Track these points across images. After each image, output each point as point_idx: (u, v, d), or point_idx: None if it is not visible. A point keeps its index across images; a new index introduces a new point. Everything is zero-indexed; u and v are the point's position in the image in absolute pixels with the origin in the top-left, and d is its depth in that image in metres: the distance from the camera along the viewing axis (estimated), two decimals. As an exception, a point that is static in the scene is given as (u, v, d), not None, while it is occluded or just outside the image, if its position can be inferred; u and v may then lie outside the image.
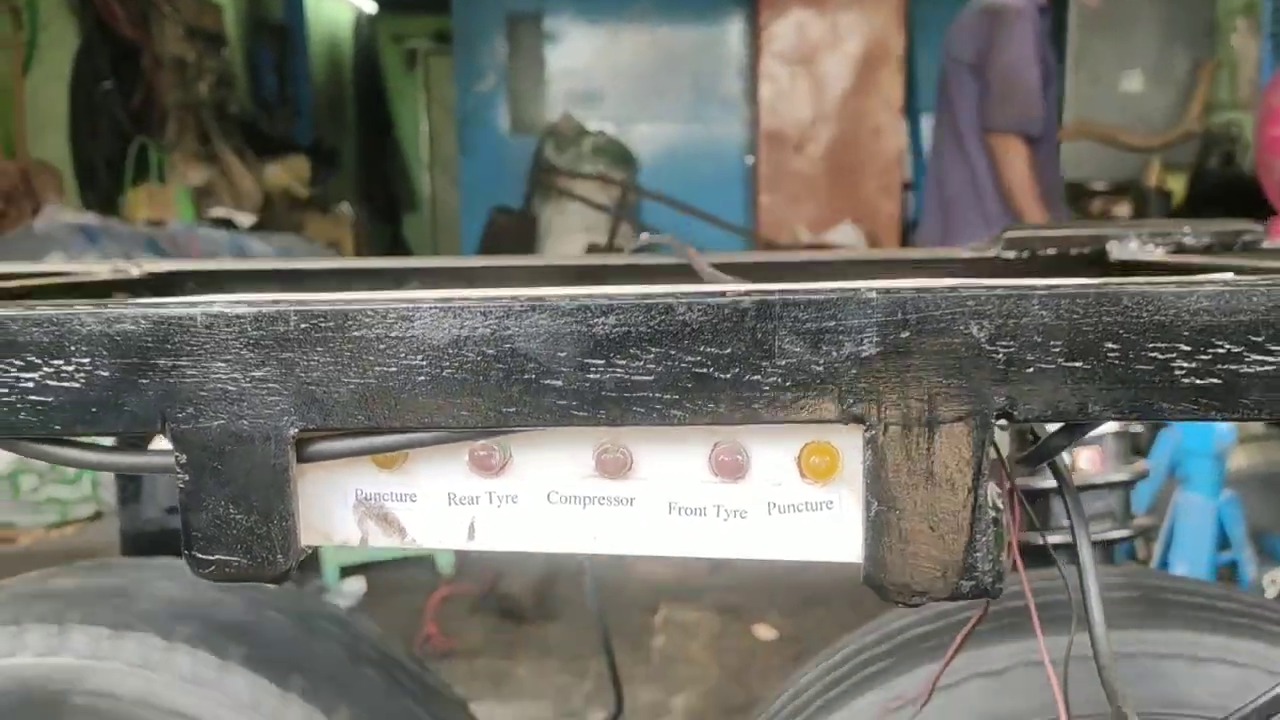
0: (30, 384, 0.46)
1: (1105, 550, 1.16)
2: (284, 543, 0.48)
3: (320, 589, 3.92)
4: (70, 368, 0.46)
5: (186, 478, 0.47)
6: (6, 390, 0.46)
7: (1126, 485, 1.15)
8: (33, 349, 0.46)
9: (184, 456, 0.47)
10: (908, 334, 0.45)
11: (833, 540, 0.49)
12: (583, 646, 3.33)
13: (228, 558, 0.48)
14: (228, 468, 0.47)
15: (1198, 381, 0.44)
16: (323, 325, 0.46)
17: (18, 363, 0.46)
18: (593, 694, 3.19)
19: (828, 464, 0.48)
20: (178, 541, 0.48)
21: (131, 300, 0.50)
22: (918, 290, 0.45)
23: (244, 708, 0.82)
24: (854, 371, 0.45)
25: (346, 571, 4.05)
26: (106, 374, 0.46)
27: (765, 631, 3.54)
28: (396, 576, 4.12)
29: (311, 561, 3.95)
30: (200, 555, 0.48)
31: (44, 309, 0.46)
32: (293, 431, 0.46)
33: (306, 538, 0.50)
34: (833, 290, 0.45)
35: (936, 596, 0.46)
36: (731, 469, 0.49)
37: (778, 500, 0.49)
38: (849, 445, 0.48)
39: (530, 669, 3.29)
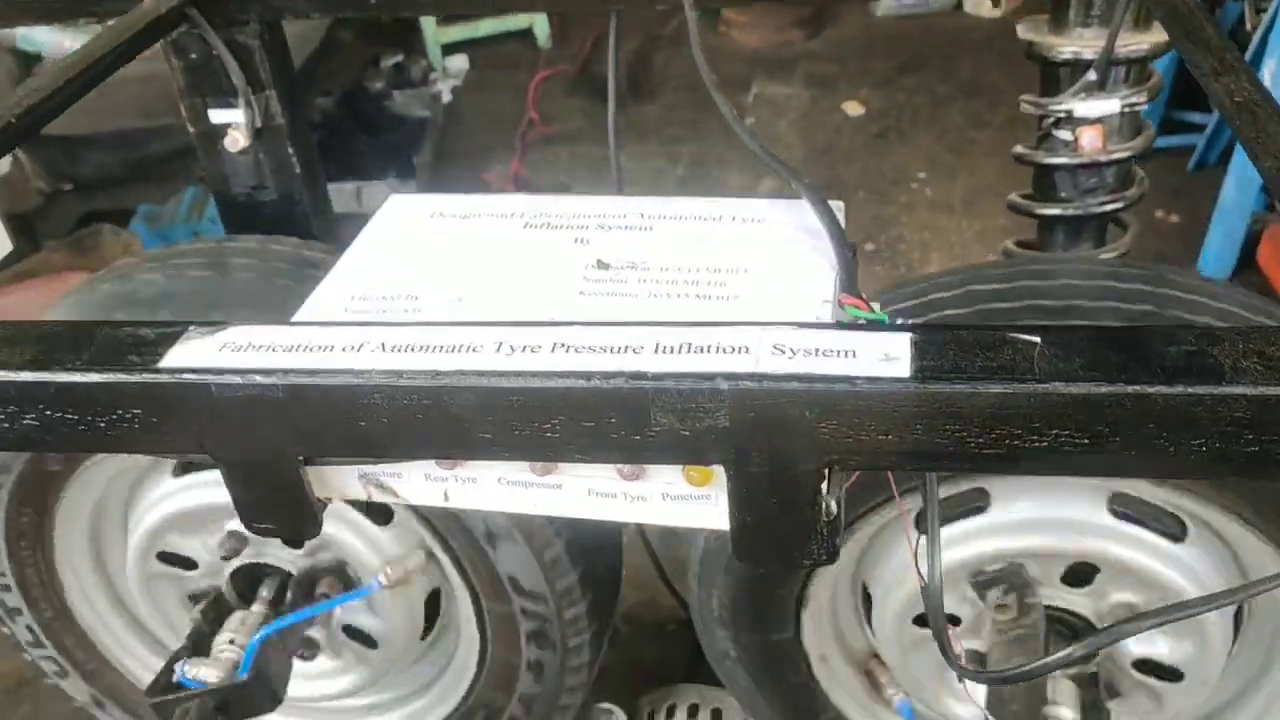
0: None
1: (1115, 220, 1.25)
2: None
3: (427, 68, 4.07)
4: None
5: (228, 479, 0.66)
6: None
7: (1129, 160, 1.21)
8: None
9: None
10: (753, 414, 0.58)
11: (710, 517, 0.65)
12: (677, 129, 3.48)
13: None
14: (255, 476, 0.66)
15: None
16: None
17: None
18: (685, 178, 3.40)
19: (705, 474, 0.63)
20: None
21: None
22: (759, 384, 0.57)
23: None
24: (712, 437, 0.59)
25: (449, 50, 4.13)
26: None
27: (854, 108, 3.61)
28: (497, 51, 4.20)
29: (416, 43, 4.06)
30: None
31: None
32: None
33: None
34: (695, 379, 0.58)
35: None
36: (633, 474, 0.65)
37: (669, 492, 0.65)
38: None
39: (628, 153, 3.44)
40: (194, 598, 1.50)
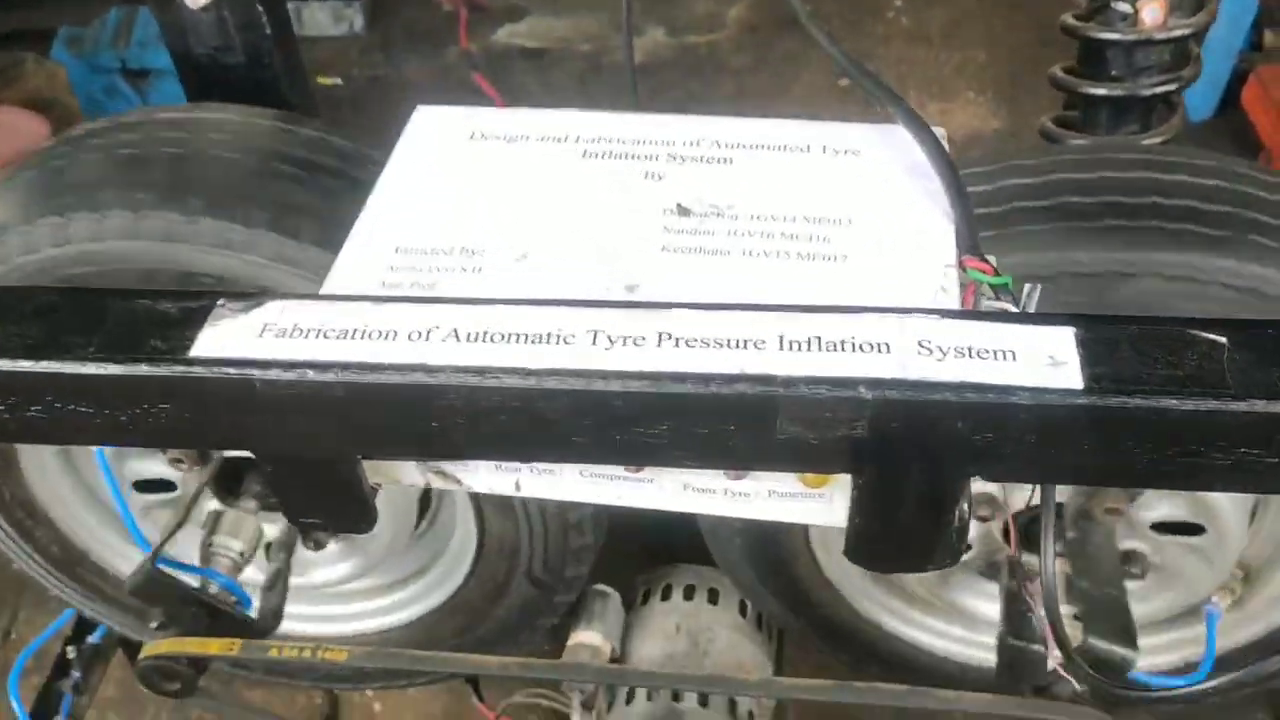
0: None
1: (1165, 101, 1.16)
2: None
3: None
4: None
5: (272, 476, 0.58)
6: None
7: (1187, 38, 1.11)
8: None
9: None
10: (896, 424, 0.50)
11: (824, 515, 0.58)
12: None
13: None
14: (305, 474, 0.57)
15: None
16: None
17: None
18: (649, 5, 3.20)
19: (821, 479, 0.56)
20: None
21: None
22: (906, 393, 0.49)
23: None
24: (845, 447, 0.51)
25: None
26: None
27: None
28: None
29: None
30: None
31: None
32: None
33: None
34: (831, 385, 0.50)
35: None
36: (738, 473, 0.57)
37: (778, 489, 0.58)
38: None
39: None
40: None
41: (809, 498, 0.58)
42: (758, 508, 0.59)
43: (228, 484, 1.37)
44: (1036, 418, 0.49)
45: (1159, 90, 1.15)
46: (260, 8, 1.24)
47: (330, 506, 0.59)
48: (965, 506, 0.55)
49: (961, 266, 0.60)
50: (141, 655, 1.18)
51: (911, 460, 0.52)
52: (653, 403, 0.51)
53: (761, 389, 0.50)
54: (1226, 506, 1.13)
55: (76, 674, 1.63)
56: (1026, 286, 0.60)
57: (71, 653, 1.64)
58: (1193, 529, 1.16)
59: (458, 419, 0.53)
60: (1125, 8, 1.12)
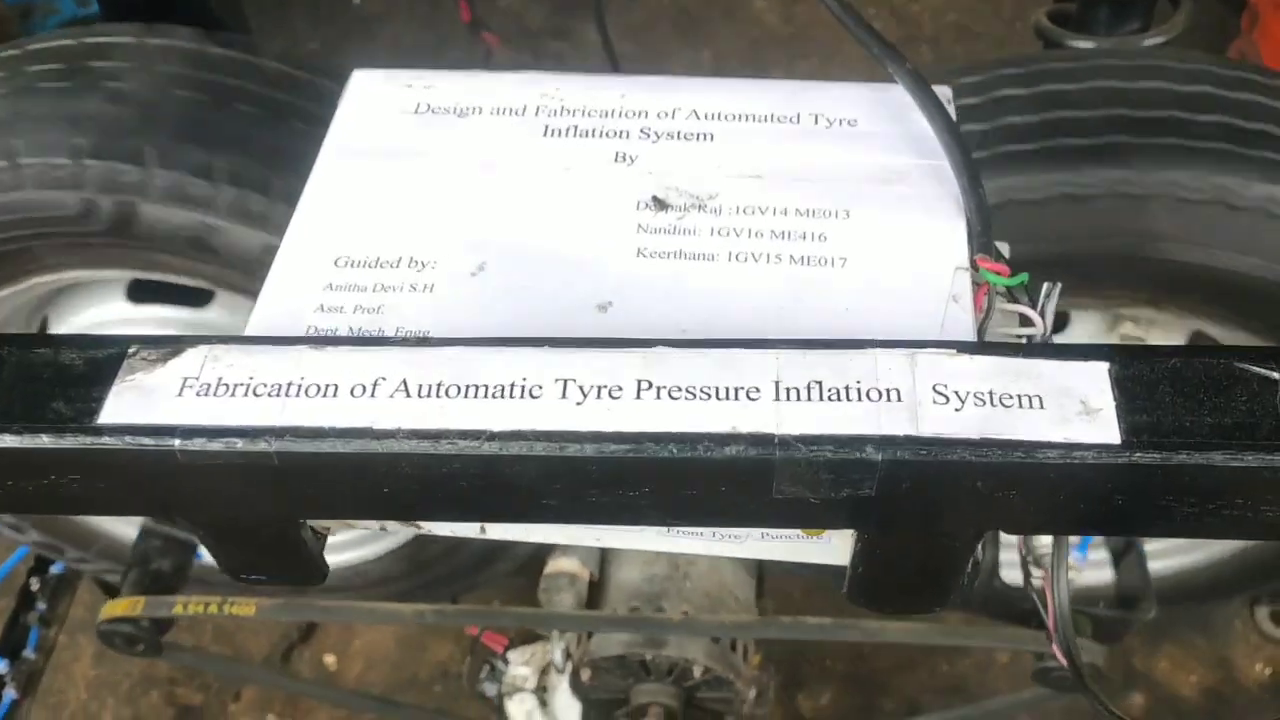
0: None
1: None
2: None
3: None
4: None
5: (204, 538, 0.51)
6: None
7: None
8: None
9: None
10: (907, 484, 0.45)
11: (825, 555, 0.53)
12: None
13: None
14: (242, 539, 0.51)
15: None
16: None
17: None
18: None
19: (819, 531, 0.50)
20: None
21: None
22: (920, 454, 0.43)
23: None
24: (850, 508, 0.46)
25: None
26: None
27: None
28: None
29: None
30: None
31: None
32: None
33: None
34: (836, 446, 0.44)
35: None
36: (728, 519, 0.51)
37: (771, 532, 0.52)
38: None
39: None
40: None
41: (806, 540, 0.53)
42: (750, 549, 0.54)
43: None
44: (1067, 477, 0.43)
45: (1161, -15, 1.06)
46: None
47: (273, 565, 0.53)
48: (978, 552, 0.50)
49: (974, 266, 0.54)
50: (98, 620, 1.14)
51: (922, 518, 0.46)
52: (632, 467, 0.45)
53: (756, 452, 0.44)
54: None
55: (42, 605, 1.60)
56: (1045, 286, 0.54)
57: (35, 584, 1.60)
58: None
59: (410, 485, 0.47)
60: (1129, -107, 1.03)
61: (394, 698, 1.75)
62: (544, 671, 1.51)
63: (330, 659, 1.88)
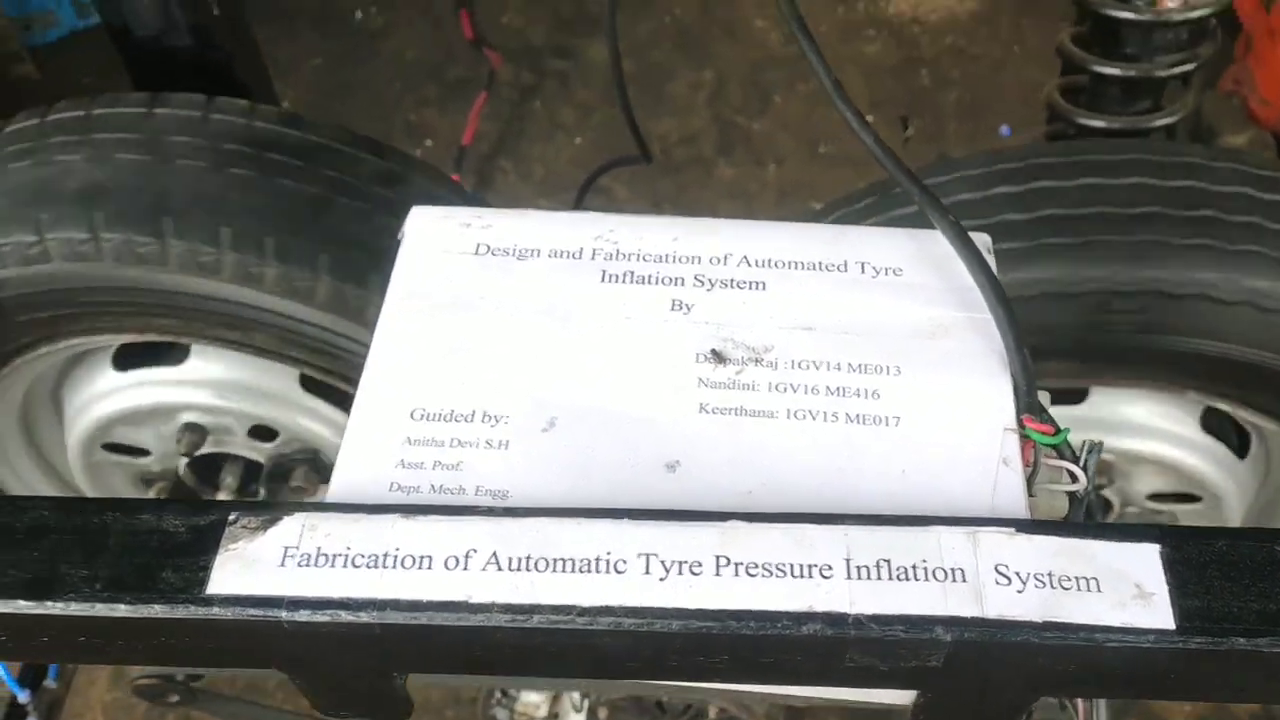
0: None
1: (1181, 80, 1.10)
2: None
3: None
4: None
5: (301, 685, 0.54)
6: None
7: (1208, 17, 1.06)
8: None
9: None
10: (972, 658, 0.48)
11: (883, 698, 0.56)
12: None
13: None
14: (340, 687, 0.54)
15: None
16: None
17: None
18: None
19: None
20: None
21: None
22: (986, 634, 0.47)
23: None
24: (917, 675, 0.49)
25: None
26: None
27: None
28: None
29: None
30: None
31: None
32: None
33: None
34: (907, 625, 0.47)
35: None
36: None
37: (833, 679, 0.56)
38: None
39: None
40: (146, 481, 1.39)
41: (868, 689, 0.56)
42: (810, 693, 0.57)
43: (204, 473, 1.34)
44: (1124, 659, 0.47)
45: (1175, 71, 1.10)
46: (205, -15, 1.14)
47: (365, 706, 0.56)
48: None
49: (1021, 425, 0.57)
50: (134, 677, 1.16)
51: (983, 685, 0.50)
52: (714, 640, 0.48)
53: (832, 630, 0.47)
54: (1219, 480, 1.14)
55: (61, 639, 1.62)
56: (1085, 443, 0.57)
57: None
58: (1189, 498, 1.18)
59: (503, 650, 0.50)
60: (1144, -15, 1.06)
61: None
62: (555, 699, 1.54)
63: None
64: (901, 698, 0.55)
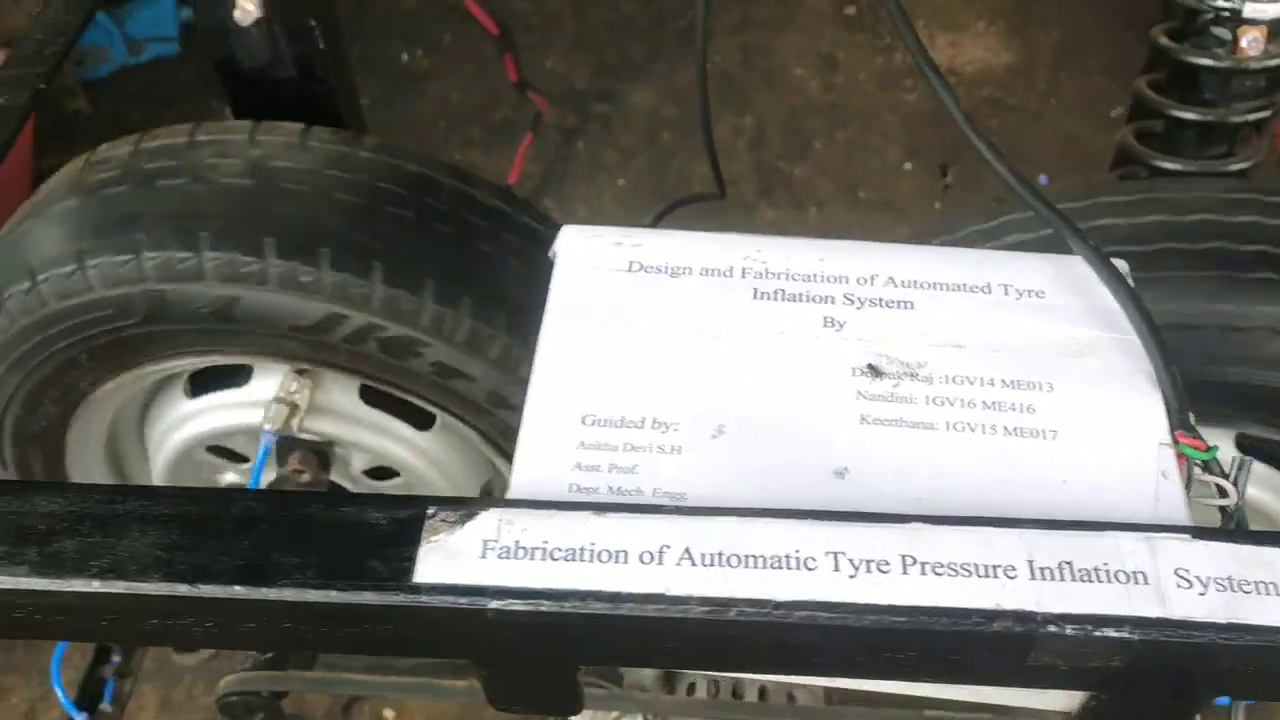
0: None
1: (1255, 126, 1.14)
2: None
3: None
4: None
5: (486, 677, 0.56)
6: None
7: (1281, 70, 1.09)
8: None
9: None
10: (1154, 659, 0.50)
11: (1045, 701, 0.58)
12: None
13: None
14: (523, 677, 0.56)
15: None
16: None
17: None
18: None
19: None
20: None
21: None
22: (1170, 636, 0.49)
23: None
24: (1095, 674, 0.51)
25: None
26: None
27: None
28: None
29: None
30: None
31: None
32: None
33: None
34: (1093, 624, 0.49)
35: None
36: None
37: (996, 682, 0.57)
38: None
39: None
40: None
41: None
42: (970, 691, 0.59)
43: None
44: (1302, 659, 0.49)
45: (1251, 118, 1.13)
46: (312, 20, 1.18)
47: (543, 699, 0.58)
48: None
49: (1175, 441, 0.59)
50: (219, 691, 1.18)
51: (1161, 687, 0.52)
52: (903, 635, 0.50)
53: (1020, 627, 0.49)
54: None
55: (116, 659, 1.63)
56: (1237, 459, 0.59)
57: (110, 638, 1.63)
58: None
59: (694, 642, 0.52)
60: (1224, 33, 1.09)
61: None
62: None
63: (390, 714, 1.91)
64: (1063, 702, 0.57)
